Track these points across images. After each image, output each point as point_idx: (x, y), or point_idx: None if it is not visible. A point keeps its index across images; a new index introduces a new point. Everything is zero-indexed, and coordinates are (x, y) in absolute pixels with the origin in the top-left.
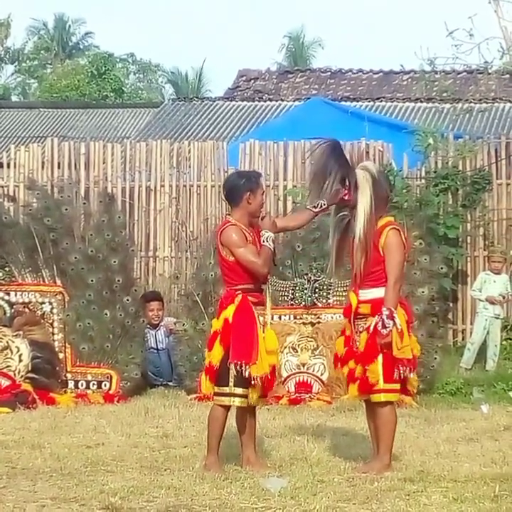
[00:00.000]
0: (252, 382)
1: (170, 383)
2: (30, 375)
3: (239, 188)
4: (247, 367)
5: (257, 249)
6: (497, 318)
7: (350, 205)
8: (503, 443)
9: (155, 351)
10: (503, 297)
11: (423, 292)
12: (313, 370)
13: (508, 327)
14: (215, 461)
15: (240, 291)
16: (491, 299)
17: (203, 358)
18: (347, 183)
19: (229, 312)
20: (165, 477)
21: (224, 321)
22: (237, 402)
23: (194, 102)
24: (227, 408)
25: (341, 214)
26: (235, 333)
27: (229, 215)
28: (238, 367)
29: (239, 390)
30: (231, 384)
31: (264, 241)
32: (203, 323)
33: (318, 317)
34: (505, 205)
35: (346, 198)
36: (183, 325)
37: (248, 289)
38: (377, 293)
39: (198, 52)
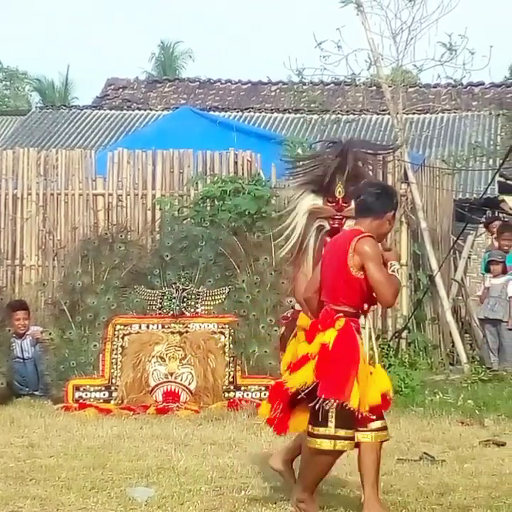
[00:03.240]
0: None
1: (36, 393)
2: None
3: (388, 203)
4: (346, 403)
5: None
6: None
7: (342, 215)
8: None
9: (21, 360)
10: None
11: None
12: (181, 380)
13: (374, 337)
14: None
15: (341, 314)
16: None
17: (70, 367)
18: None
19: (329, 337)
20: (30, 487)
21: (321, 347)
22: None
23: (62, 110)
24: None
25: (319, 224)
26: (333, 364)
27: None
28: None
29: (342, 432)
30: (332, 425)
31: (393, 271)
32: (70, 332)
33: (187, 326)
34: None
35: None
36: (50, 334)
37: (351, 313)
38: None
39: (66, 60)
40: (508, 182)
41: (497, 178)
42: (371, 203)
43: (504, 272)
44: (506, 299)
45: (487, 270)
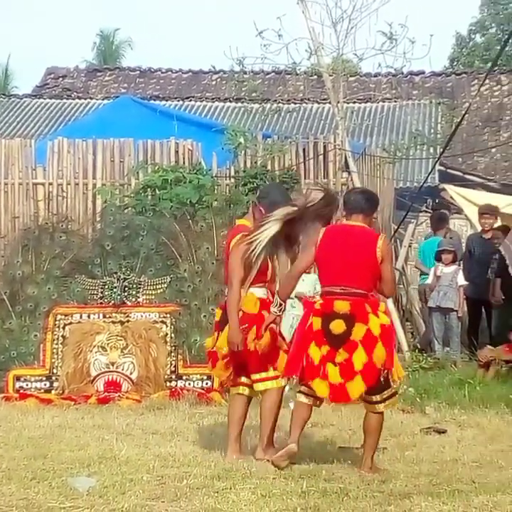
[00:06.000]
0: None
1: None
2: None
3: (377, 202)
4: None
5: None
6: None
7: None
8: (311, 440)
9: None
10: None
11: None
12: (123, 369)
13: None
14: None
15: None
16: (301, 296)
17: (11, 357)
18: None
19: (386, 319)
20: None
21: (381, 327)
22: None
23: (1, 98)
24: None
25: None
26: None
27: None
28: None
29: None
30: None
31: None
32: (10, 322)
33: (128, 316)
34: None
35: None
36: None
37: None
38: None
39: (5, 48)
40: (449, 171)
41: (437, 166)
42: (374, 205)
43: (454, 260)
44: (456, 288)
45: (437, 259)
